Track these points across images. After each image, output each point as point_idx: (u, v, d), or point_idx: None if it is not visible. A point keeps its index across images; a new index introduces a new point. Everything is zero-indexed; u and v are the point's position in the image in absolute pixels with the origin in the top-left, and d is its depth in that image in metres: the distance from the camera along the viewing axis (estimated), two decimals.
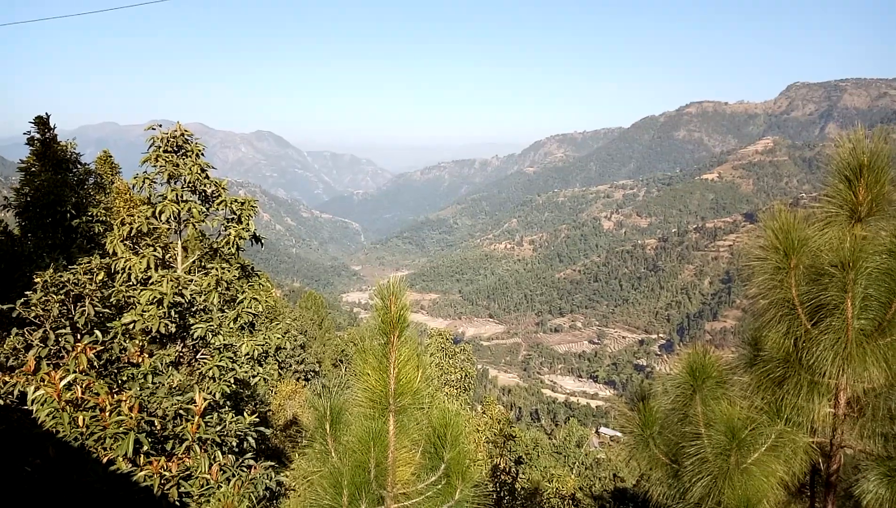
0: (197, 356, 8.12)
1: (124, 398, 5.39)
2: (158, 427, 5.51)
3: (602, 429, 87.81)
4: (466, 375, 17.76)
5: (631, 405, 4.33)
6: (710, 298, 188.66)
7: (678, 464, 3.80)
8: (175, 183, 9.02)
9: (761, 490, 3.38)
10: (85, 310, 6.60)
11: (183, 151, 9.15)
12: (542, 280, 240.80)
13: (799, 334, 3.57)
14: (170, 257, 9.15)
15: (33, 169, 13.42)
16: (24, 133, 14.04)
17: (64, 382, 5.35)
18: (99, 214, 12.76)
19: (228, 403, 7.38)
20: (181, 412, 5.63)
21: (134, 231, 8.77)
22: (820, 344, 3.44)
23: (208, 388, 7.12)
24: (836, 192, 3.67)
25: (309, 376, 20.90)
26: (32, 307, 6.39)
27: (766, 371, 3.72)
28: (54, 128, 14.22)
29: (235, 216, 9.48)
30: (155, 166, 8.98)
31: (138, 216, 8.79)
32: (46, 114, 14.29)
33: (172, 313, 7.88)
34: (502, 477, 13.84)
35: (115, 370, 6.46)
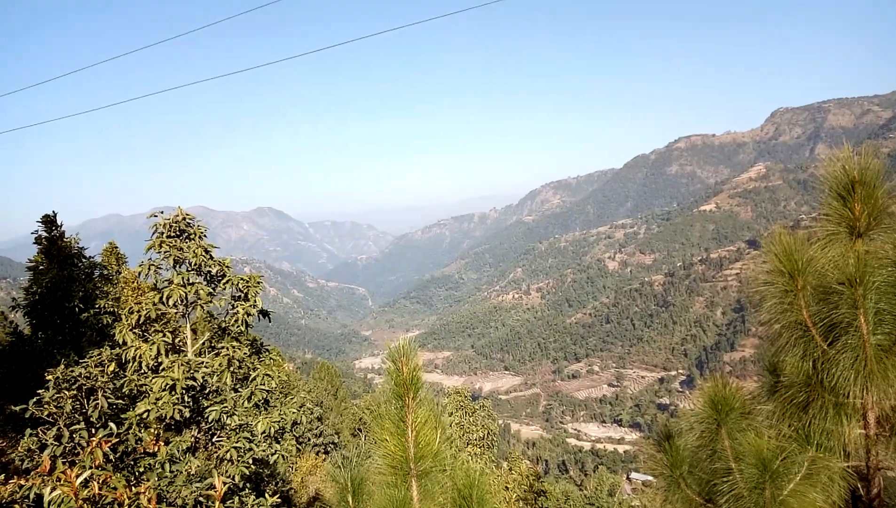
0: (213, 440, 8.01)
1: (142, 490, 5.29)
2: None
3: (633, 474, 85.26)
4: (489, 432, 17.39)
5: (657, 446, 4.23)
6: (724, 328, 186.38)
7: (713, 503, 3.68)
8: (180, 267, 9.11)
9: None
10: (98, 403, 6.56)
11: (185, 234, 9.27)
12: (553, 327, 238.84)
13: (816, 355, 3.52)
14: (180, 341, 9.15)
15: (41, 267, 13.58)
16: (32, 232, 14.28)
17: (80, 479, 5.26)
18: (107, 305, 12.84)
19: (248, 485, 7.23)
20: (201, 499, 5.51)
21: (142, 318, 8.79)
22: (839, 364, 3.39)
23: (227, 471, 6.99)
24: (833, 210, 3.68)
25: (328, 448, 20.47)
26: (45, 406, 6.35)
27: (788, 397, 3.65)
28: (61, 225, 14.47)
29: (242, 294, 9.53)
30: (159, 253, 9.09)
31: (146, 303, 8.84)
32: (53, 212, 14.57)
33: (186, 397, 7.82)
34: None
35: (132, 462, 6.36)
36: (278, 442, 7.84)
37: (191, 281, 9.06)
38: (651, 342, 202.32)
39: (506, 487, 13.59)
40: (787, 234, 3.67)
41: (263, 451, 7.37)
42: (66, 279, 12.89)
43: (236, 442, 7.24)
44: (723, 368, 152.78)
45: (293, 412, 8.08)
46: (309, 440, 19.62)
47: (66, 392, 6.49)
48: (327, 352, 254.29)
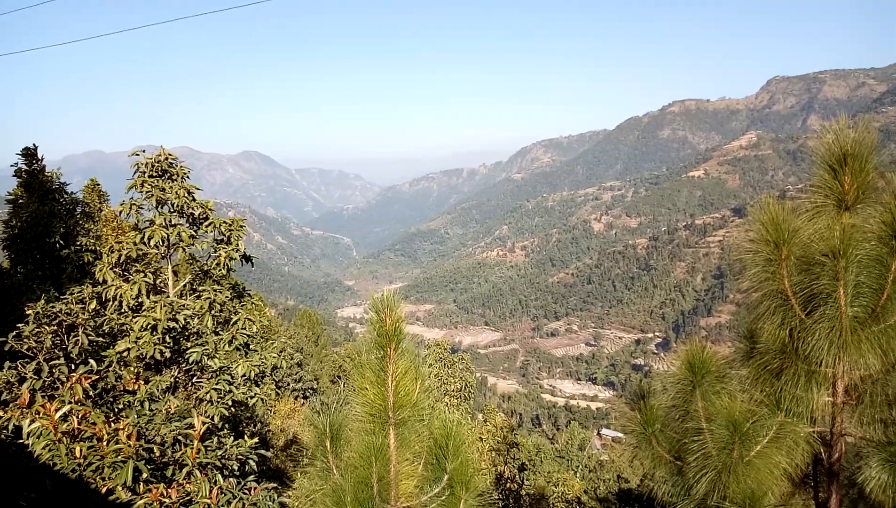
0: (193, 381, 8.06)
1: (121, 427, 5.33)
2: (157, 454, 5.45)
3: (604, 431, 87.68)
4: (466, 384, 17.69)
5: (631, 404, 4.32)
6: (703, 294, 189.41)
7: (682, 461, 3.79)
8: (162, 208, 8.99)
9: (765, 482, 3.38)
10: (79, 340, 6.54)
11: (168, 175, 9.11)
12: (535, 285, 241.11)
13: (794, 324, 3.59)
14: (161, 283, 9.10)
15: (20, 201, 13.33)
16: (11, 165, 13.96)
17: (59, 413, 5.28)
18: (88, 243, 12.68)
19: (227, 426, 7.32)
20: (180, 437, 5.57)
21: (123, 258, 8.71)
22: (815, 333, 3.46)
23: (206, 412, 7.06)
24: (823, 182, 3.70)
25: (307, 394, 20.73)
26: (25, 340, 6.32)
27: (763, 363, 3.73)
28: (42, 159, 14.15)
29: (225, 237, 9.44)
30: (141, 192, 8.94)
31: (127, 243, 8.74)
32: (34, 145, 14.22)
33: (167, 338, 7.81)
34: (507, 485, 13.77)
35: (112, 399, 6.39)
36: (258, 386, 7.91)
37: (173, 222, 8.95)
38: (630, 304, 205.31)
39: (480, 438, 13.93)
40: (776, 204, 3.68)
41: (243, 394, 7.44)
42: (47, 215, 12.68)
43: (216, 384, 7.29)
44: (699, 332, 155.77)
45: (273, 357, 8.13)
46: (288, 384, 19.85)
47: (47, 327, 6.45)
48: (310, 300, 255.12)
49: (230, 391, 7.30)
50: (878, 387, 3.60)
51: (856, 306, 3.41)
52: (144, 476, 5.09)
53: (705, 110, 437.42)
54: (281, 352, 8.93)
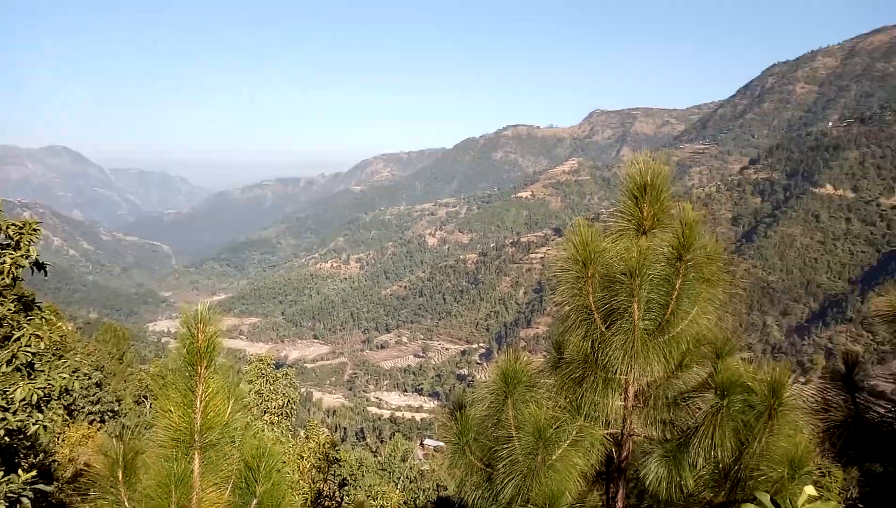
0: None
1: None
2: None
3: (426, 441, 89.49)
4: (289, 401, 17.07)
5: (449, 415, 4.44)
6: (524, 307, 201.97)
7: (492, 468, 3.96)
8: None
9: (564, 483, 3.63)
10: None
11: None
12: (368, 298, 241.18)
13: (595, 336, 3.92)
14: None
15: None
16: None
17: None
18: None
19: None
20: None
21: None
22: (612, 344, 3.80)
23: None
24: (626, 208, 4.10)
25: (106, 416, 18.61)
26: None
27: (568, 372, 4.03)
28: None
29: (13, 242, 8.22)
30: None
31: None
32: None
33: None
34: (325, 503, 13.47)
35: None
36: (41, 411, 6.94)
37: None
38: (458, 316, 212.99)
39: (301, 456, 13.47)
40: (586, 226, 4.01)
41: (21, 421, 6.47)
42: None
43: None
44: (519, 343, 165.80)
45: (64, 378, 7.19)
46: (83, 407, 17.69)
47: None
48: (118, 313, 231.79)
49: (3, 419, 6.31)
50: (661, 391, 4.05)
51: (647, 319, 3.81)
52: None
53: (535, 136, 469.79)
54: (75, 372, 7.94)
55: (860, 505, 5.22)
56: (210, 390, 3.21)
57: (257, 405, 15.59)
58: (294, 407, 17.08)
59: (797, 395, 4.12)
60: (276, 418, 15.59)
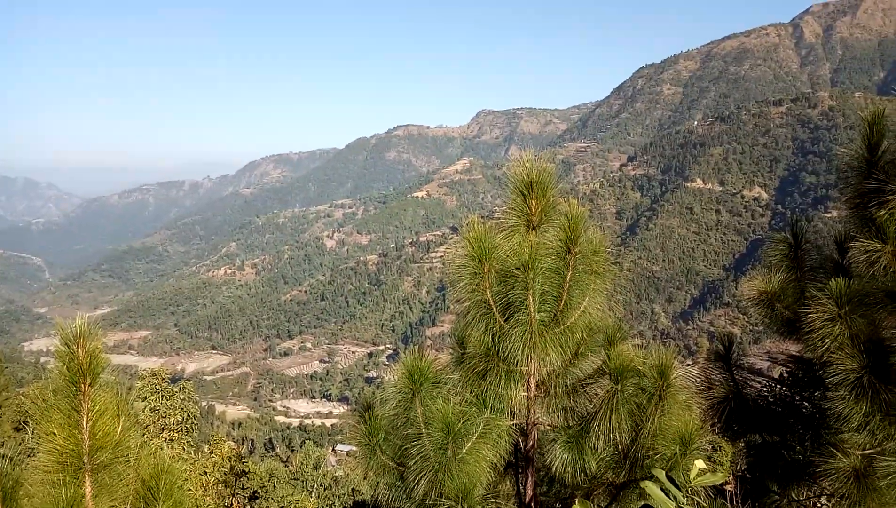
0: None
1: None
2: None
3: (339, 446, 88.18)
4: (189, 415, 16.27)
5: (358, 416, 4.43)
6: (428, 306, 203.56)
7: (404, 466, 4.00)
8: None
9: (476, 475, 3.73)
10: None
11: None
12: (267, 304, 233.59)
13: (495, 330, 4.05)
14: None
15: None
16: None
17: None
18: None
19: None
20: None
21: None
22: (512, 337, 3.95)
23: None
24: (516, 205, 4.26)
25: None
26: None
27: (472, 366, 4.14)
28: None
29: None
30: None
31: None
32: None
33: None
34: None
35: None
36: None
37: None
38: (363, 318, 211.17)
39: (204, 472, 12.91)
40: (480, 223, 4.13)
41: None
42: None
43: None
44: (425, 342, 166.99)
45: None
46: None
47: None
48: None
49: None
50: (560, 380, 4.25)
51: (542, 311, 3.99)
52: None
53: (426, 136, 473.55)
54: None
55: (748, 475, 5.71)
56: (97, 408, 3.04)
57: (154, 422, 14.74)
58: (195, 422, 16.31)
59: (683, 376, 4.46)
60: (176, 434, 14.82)
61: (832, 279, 4.11)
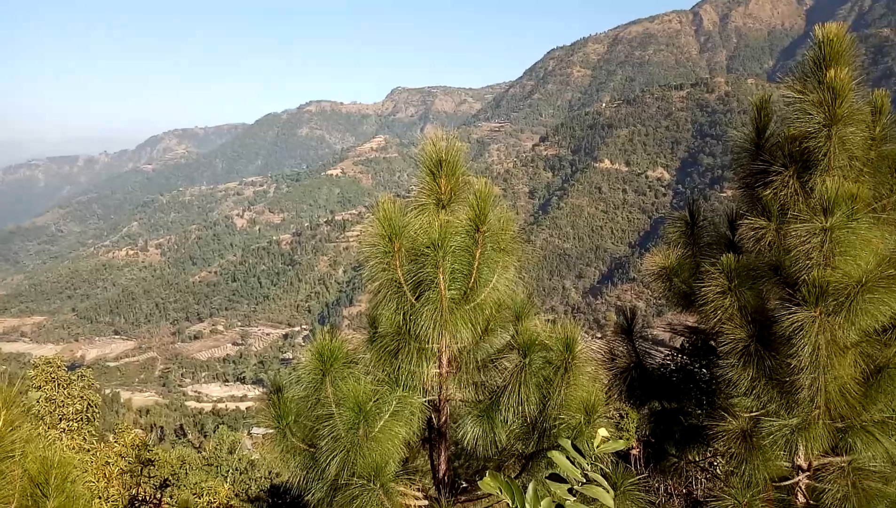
0: None
1: None
2: None
3: (254, 430, 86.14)
4: (90, 404, 15.38)
5: (268, 398, 4.33)
6: (345, 285, 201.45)
7: (315, 447, 3.95)
8: None
9: (388, 453, 3.74)
10: None
11: None
12: (174, 286, 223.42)
13: (406, 308, 4.05)
14: None
15: None
16: None
17: None
18: None
19: None
20: None
21: None
22: (423, 315, 3.96)
23: None
24: (426, 183, 4.26)
25: None
26: None
27: (383, 345, 4.13)
28: None
29: None
30: None
31: None
32: None
33: None
34: (141, 507, 12.48)
35: None
36: None
37: None
38: (277, 299, 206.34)
39: (107, 462, 12.30)
40: (390, 202, 4.10)
41: None
42: None
43: None
44: (342, 322, 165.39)
45: None
46: None
47: None
48: None
49: None
50: (471, 356, 4.32)
51: (452, 289, 4.02)
52: None
53: (339, 112, 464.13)
54: None
55: (651, 440, 6.05)
56: None
57: (50, 412, 13.82)
58: (96, 411, 15.43)
59: (589, 349, 4.63)
60: (76, 424, 13.96)
61: (724, 255, 4.39)
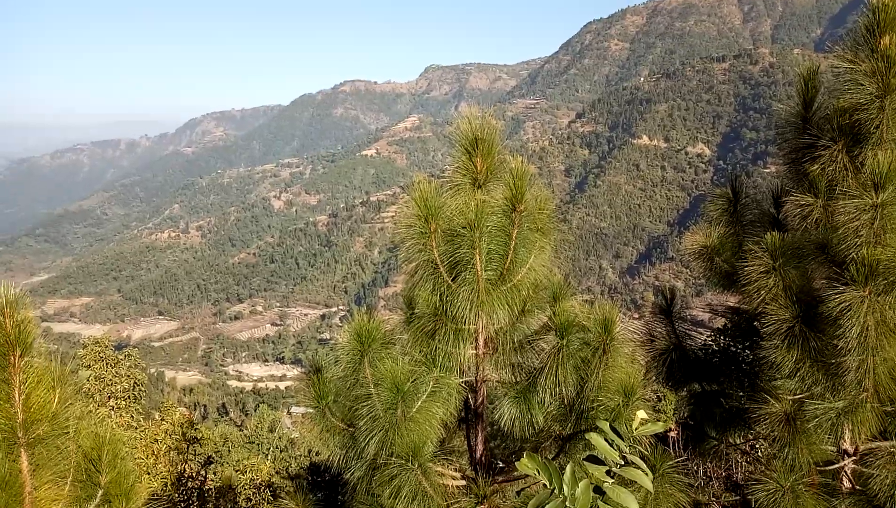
0: None
1: None
2: None
3: (294, 409, 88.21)
4: (136, 383, 15.92)
5: (307, 379, 4.41)
6: (380, 266, 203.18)
7: (354, 426, 4.02)
8: None
9: (426, 433, 3.78)
10: None
11: None
12: (214, 268, 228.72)
13: (443, 289, 4.06)
14: None
15: None
16: None
17: None
18: None
19: None
20: None
21: None
22: (459, 296, 3.96)
23: None
24: (461, 163, 4.23)
25: None
26: None
27: (420, 326, 4.15)
28: None
29: None
30: None
31: None
32: None
33: None
34: (188, 484, 12.92)
35: None
36: None
37: None
38: (314, 280, 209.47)
39: (155, 440, 12.76)
40: (426, 182, 4.09)
41: None
42: None
43: None
44: (378, 303, 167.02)
45: None
46: None
47: None
48: None
49: None
50: (508, 337, 4.31)
51: (489, 270, 4.01)
52: None
53: (374, 92, 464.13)
54: None
55: (690, 422, 5.98)
56: (31, 380, 2.93)
57: (99, 391, 14.36)
58: (143, 389, 15.98)
59: (627, 330, 4.58)
60: (124, 402, 14.50)
61: (768, 233, 4.26)
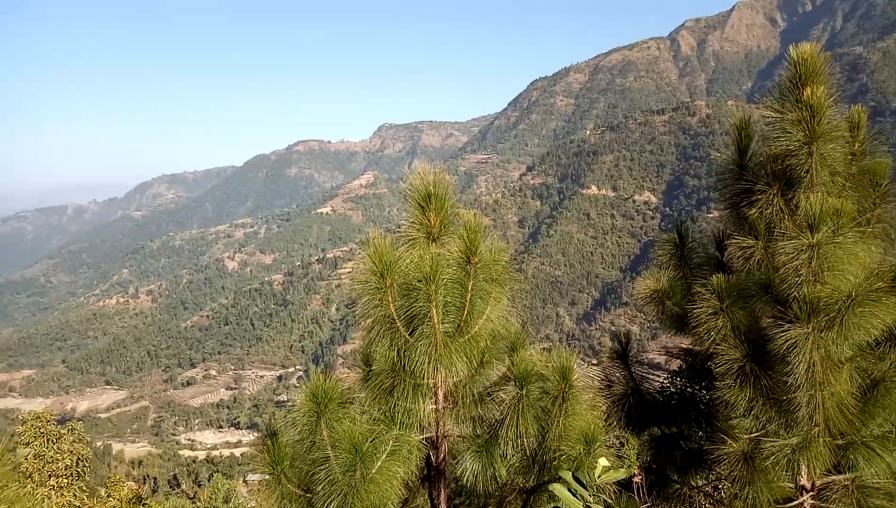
0: None
1: None
2: None
3: (249, 476, 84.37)
4: (80, 458, 15.02)
5: (262, 444, 4.25)
6: (338, 323, 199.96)
7: (312, 492, 3.86)
8: None
9: (386, 494, 3.66)
10: None
11: None
12: (166, 332, 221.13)
13: (400, 344, 4.01)
14: None
15: None
16: None
17: None
18: None
19: None
20: None
21: None
22: (417, 350, 3.92)
23: None
24: (416, 217, 4.26)
25: None
26: None
27: (378, 383, 4.07)
28: None
29: None
30: None
31: None
32: None
33: None
34: None
35: None
36: None
37: None
38: (270, 341, 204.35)
39: None
40: (381, 237, 4.10)
41: None
42: None
43: None
44: (336, 360, 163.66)
45: None
46: None
47: None
48: None
49: None
50: (468, 389, 4.27)
51: (446, 322, 4.00)
52: None
53: (328, 151, 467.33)
54: None
55: (653, 466, 5.96)
56: None
57: (39, 469, 13.47)
58: (87, 465, 15.06)
59: (585, 376, 4.59)
60: (66, 480, 13.60)
61: (714, 275, 4.39)
